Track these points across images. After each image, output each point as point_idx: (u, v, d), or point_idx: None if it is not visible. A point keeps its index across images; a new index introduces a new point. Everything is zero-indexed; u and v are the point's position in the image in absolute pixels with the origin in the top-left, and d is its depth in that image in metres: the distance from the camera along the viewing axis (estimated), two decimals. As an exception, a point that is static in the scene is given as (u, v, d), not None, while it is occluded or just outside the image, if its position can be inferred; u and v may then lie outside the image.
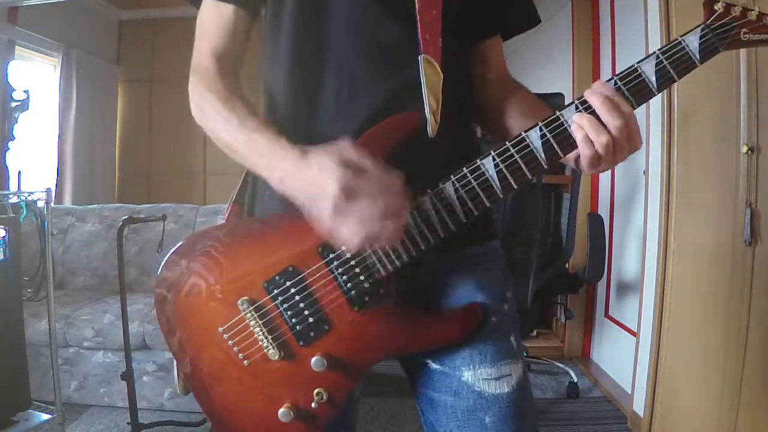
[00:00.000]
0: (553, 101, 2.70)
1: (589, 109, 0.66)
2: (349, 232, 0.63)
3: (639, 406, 2.21)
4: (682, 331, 1.94)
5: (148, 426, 2.10)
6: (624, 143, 0.65)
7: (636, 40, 2.38)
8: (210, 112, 0.74)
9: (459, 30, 0.79)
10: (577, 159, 0.68)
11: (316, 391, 0.72)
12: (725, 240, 1.67)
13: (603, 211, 2.97)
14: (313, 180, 0.63)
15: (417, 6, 0.73)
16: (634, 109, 0.67)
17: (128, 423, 2.04)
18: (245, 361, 0.74)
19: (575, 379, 2.72)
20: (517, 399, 0.75)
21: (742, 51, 1.56)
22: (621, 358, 2.66)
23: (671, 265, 1.99)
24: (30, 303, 2.16)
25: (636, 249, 2.58)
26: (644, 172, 2.29)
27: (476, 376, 0.74)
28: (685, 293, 1.93)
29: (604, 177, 3.03)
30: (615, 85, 0.67)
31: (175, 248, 0.79)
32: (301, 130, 0.76)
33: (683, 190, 1.95)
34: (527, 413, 0.77)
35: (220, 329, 0.74)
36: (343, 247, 0.70)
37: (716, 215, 1.75)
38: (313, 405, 0.73)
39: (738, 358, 1.59)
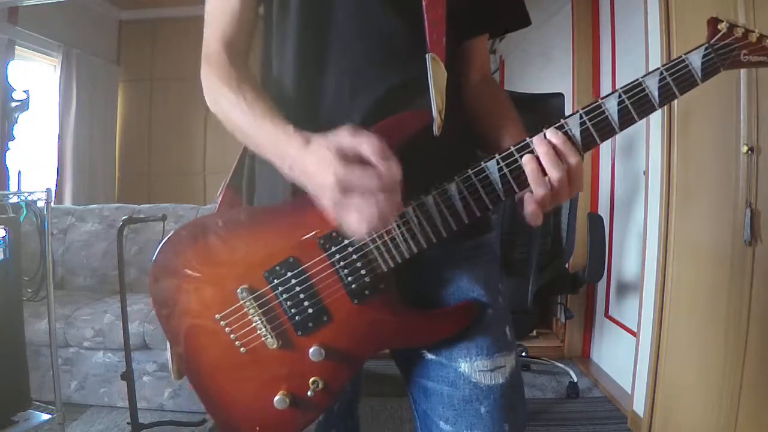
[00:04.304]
0: (553, 101, 2.71)
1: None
2: (351, 223, 0.63)
3: (639, 406, 2.21)
4: (682, 331, 1.94)
5: (148, 426, 2.10)
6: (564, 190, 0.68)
7: (636, 40, 2.38)
8: (221, 99, 0.74)
9: (457, 29, 0.79)
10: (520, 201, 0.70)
11: (312, 379, 0.73)
12: (725, 240, 1.67)
13: (603, 211, 2.97)
14: (313, 170, 0.63)
15: (424, 4, 0.74)
16: (653, 112, 0.68)
17: (128, 423, 2.05)
18: (242, 349, 0.75)
19: (575, 379, 2.72)
20: (510, 389, 0.77)
21: (742, 51, 1.56)
22: (621, 358, 2.66)
23: (671, 265, 1.99)
24: (30, 303, 2.15)
25: (636, 249, 2.58)
26: (644, 172, 2.29)
27: (473, 368, 0.76)
28: (685, 293, 1.93)
29: (604, 177, 3.03)
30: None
31: (173, 233, 0.78)
32: (303, 122, 0.76)
33: (683, 190, 1.95)
34: (519, 401, 0.79)
35: (217, 316, 0.74)
36: (346, 240, 0.71)
37: (716, 215, 1.75)
38: (309, 393, 0.74)
39: (738, 358, 1.59)
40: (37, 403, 2.05)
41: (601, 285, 3.00)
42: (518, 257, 2.54)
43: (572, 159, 0.66)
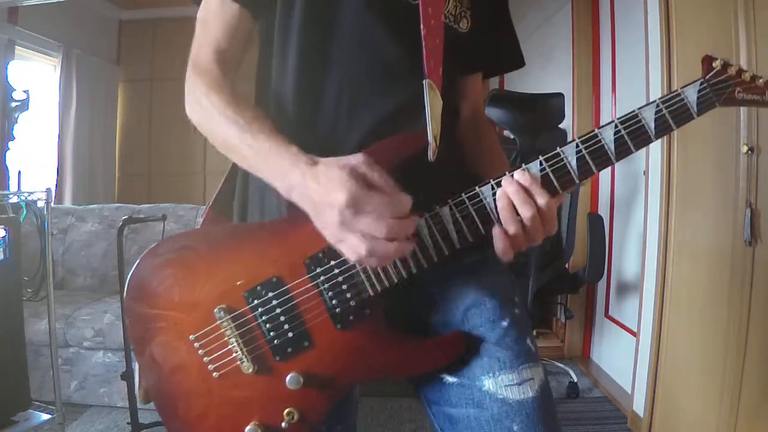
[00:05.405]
0: (553, 101, 2.71)
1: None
2: (351, 246, 0.62)
3: (639, 406, 2.21)
4: (682, 331, 1.94)
5: (148, 426, 2.10)
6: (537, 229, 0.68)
7: (636, 40, 2.38)
8: (212, 110, 0.72)
9: (455, 60, 0.79)
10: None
11: (286, 411, 0.69)
12: (725, 240, 1.67)
13: (603, 211, 2.97)
14: (321, 189, 0.61)
15: (423, 32, 0.73)
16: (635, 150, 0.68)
17: (128, 423, 2.04)
18: (215, 373, 0.71)
19: (575, 379, 2.72)
20: (542, 403, 0.73)
21: (741, 51, 1.56)
22: (621, 358, 2.66)
23: (671, 265, 1.99)
24: (30, 303, 2.16)
25: (636, 249, 2.58)
26: (644, 172, 2.29)
27: (498, 384, 0.72)
28: (685, 293, 1.93)
29: (604, 177, 3.03)
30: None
31: (152, 247, 0.75)
32: (301, 137, 0.75)
33: (683, 190, 1.95)
34: (553, 417, 0.75)
35: (191, 337, 0.71)
36: (332, 262, 0.68)
37: (716, 215, 1.75)
38: (282, 425, 0.70)
39: (738, 358, 1.59)
40: (37, 403, 2.05)
41: (601, 285, 3.00)
42: (518, 258, 2.54)
43: (540, 200, 0.66)
